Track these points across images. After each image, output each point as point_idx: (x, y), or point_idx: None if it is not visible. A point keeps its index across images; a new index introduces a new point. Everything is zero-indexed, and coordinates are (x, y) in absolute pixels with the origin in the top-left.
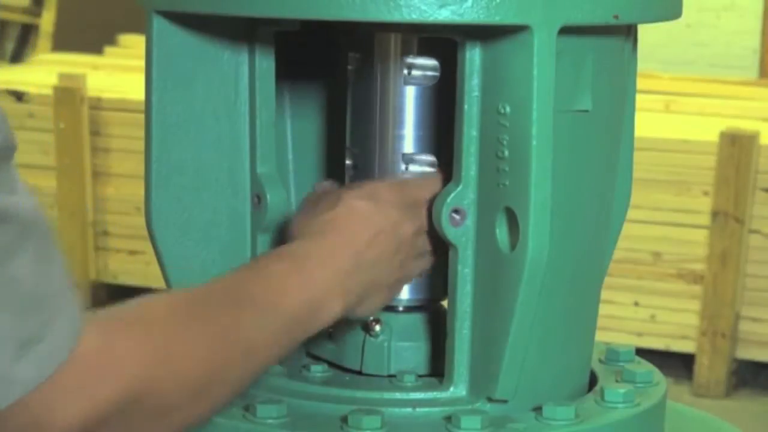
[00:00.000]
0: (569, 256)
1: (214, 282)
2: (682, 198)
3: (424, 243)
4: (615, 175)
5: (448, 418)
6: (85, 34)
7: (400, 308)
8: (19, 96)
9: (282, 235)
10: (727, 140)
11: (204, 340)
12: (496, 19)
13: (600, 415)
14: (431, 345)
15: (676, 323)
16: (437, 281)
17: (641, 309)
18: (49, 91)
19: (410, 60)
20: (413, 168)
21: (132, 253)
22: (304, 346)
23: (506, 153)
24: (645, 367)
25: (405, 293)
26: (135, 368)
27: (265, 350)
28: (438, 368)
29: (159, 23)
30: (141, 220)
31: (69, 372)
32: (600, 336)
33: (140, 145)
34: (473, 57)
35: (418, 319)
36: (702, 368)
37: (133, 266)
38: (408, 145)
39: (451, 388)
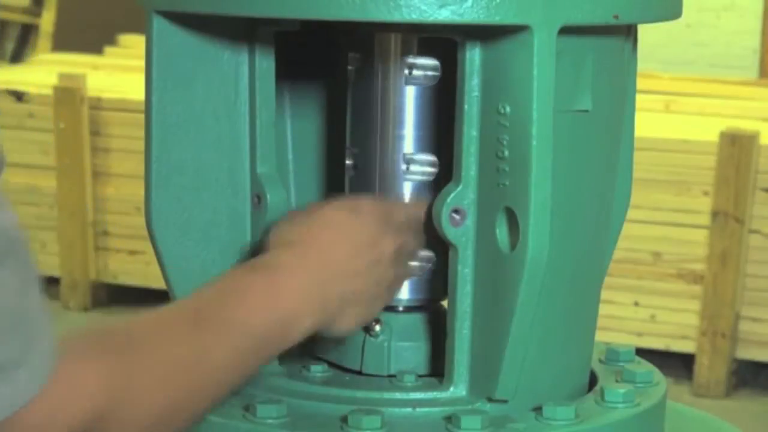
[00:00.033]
0: (569, 256)
1: (181, 302)
2: (682, 198)
3: (404, 262)
4: (615, 175)
5: (448, 418)
6: (85, 34)
7: (400, 308)
8: (19, 96)
9: (260, 245)
10: (727, 140)
11: (167, 366)
12: (496, 19)
13: (600, 415)
14: (431, 345)
15: (676, 323)
16: (437, 281)
17: (641, 309)
18: (49, 91)
19: (411, 60)
20: (414, 168)
21: (132, 253)
22: (305, 347)
23: (506, 153)
24: (645, 367)
25: (405, 293)
26: (98, 398)
27: (232, 372)
28: (438, 368)
29: (159, 23)
30: (141, 220)
31: (38, 401)
32: (600, 336)
33: (140, 145)
34: (473, 57)
35: (418, 319)
36: (702, 368)
37: (133, 266)
38: (408, 145)
39: (451, 388)
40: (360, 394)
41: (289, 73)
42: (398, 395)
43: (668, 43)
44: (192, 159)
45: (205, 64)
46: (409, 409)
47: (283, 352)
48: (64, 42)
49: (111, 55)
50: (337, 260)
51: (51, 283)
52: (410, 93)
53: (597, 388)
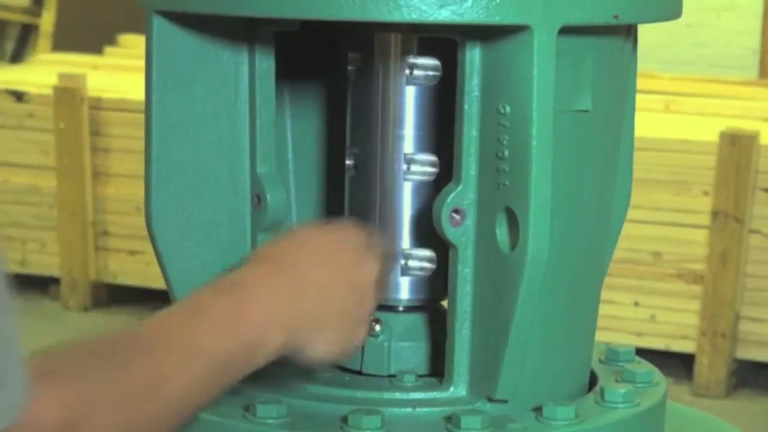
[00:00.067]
0: (569, 256)
1: (143, 324)
2: (682, 198)
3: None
4: (615, 175)
5: (448, 418)
6: (85, 34)
7: (400, 308)
8: (19, 96)
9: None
10: (727, 140)
11: (125, 391)
12: (496, 19)
13: (600, 415)
14: (431, 345)
15: (676, 323)
16: (437, 281)
17: (641, 309)
18: (49, 91)
19: (412, 60)
20: (414, 168)
21: (132, 253)
22: None
23: (506, 153)
24: (645, 367)
25: (405, 293)
26: (52, 426)
27: (193, 397)
28: (438, 368)
29: (159, 23)
30: (141, 220)
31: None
32: (600, 336)
33: (140, 145)
34: (473, 57)
35: (418, 319)
36: (702, 368)
37: (133, 266)
38: (408, 145)
39: (451, 388)
40: (360, 394)
41: (289, 73)
42: (398, 395)
43: (668, 43)
44: (192, 159)
45: (205, 64)
46: (409, 409)
47: None
48: (64, 42)
49: (111, 55)
50: (310, 278)
51: (51, 283)
52: (411, 93)
53: (597, 388)
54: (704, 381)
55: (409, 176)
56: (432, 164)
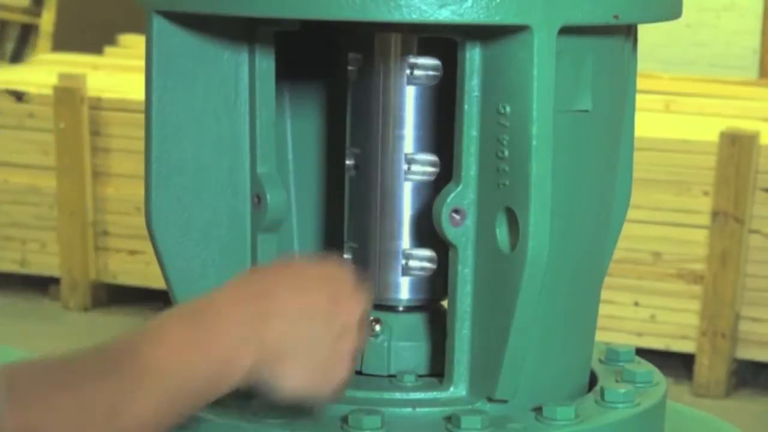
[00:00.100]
0: (569, 256)
1: (107, 345)
2: (682, 198)
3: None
4: (615, 175)
5: (448, 418)
6: (85, 34)
7: (400, 308)
8: (19, 96)
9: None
10: (727, 140)
11: (81, 416)
12: (496, 19)
13: (600, 415)
14: (431, 345)
15: (676, 323)
16: (437, 281)
17: (641, 309)
18: (49, 91)
19: (413, 60)
20: (415, 168)
21: (132, 253)
22: None
23: (506, 153)
24: (645, 367)
25: (405, 293)
26: None
27: (153, 422)
28: (438, 368)
29: (159, 23)
30: (141, 220)
31: None
32: (600, 336)
33: (140, 145)
34: (473, 57)
35: (418, 319)
36: (702, 368)
37: (133, 266)
38: (409, 144)
39: (451, 388)
40: (360, 394)
41: (289, 73)
42: (398, 395)
43: (668, 43)
44: (192, 159)
45: (205, 64)
46: (409, 409)
47: None
48: (64, 42)
49: (111, 55)
50: (280, 307)
51: (51, 283)
52: (411, 93)
53: (597, 388)
54: (704, 381)
55: (409, 176)
56: (432, 164)
